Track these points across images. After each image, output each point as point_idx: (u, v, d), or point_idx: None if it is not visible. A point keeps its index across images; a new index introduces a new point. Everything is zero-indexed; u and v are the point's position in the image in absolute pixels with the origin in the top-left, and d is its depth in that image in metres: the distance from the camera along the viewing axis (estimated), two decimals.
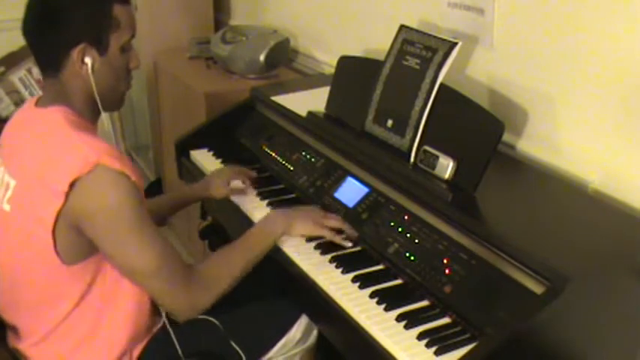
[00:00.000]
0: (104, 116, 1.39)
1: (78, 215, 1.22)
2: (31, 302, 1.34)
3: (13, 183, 1.29)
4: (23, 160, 1.29)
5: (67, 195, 1.20)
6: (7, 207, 1.29)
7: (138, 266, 1.27)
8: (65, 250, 1.26)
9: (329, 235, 1.48)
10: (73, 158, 1.21)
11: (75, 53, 1.28)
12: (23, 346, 1.38)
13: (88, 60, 1.30)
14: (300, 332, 1.55)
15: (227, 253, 1.43)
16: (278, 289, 1.58)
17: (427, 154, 1.47)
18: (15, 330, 1.40)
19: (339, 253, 1.46)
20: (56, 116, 1.29)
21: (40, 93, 1.43)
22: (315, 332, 1.58)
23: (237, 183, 1.76)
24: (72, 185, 1.20)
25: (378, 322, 1.25)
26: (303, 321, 1.55)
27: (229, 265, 1.39)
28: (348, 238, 1.48)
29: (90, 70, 1.30)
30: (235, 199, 1.74)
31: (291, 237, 1.49)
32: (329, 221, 1.50)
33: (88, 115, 1.36)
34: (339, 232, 1.50)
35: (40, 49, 1.33)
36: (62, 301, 1.31)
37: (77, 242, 1.25)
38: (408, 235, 1.41)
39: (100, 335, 1.35)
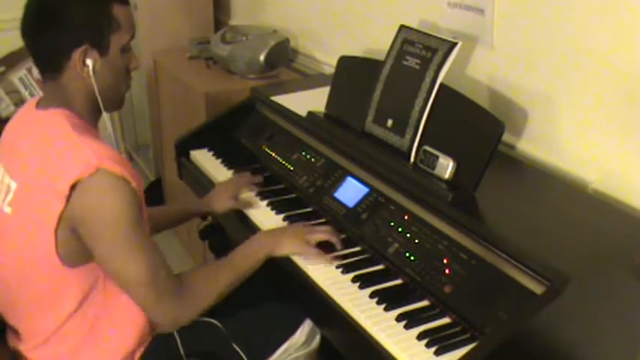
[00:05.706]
0: (104, 116, 1.39)
1: (76, 218, 1.22)
2: (31, 304, 1.34)
3: (14, 185, 1.28)
4: (24, 162, 1.29)
5: (68, 198, 1.20)
6: (8, 209, 1.29)
7: (127, 274, 1.27)
8: (67, 252, 1.25)
9: (314, 255, 1.44)
10: (75, 161, 1.21)
11: (76, 55, 1.28)
12: (23, 348, 1.38)
13: (89, 62, 1.29)
14: (304, 336, 1.54)
15: (213, 270, 1.43)
16: (282, 292, 1.57)
17: (427, 154, 1.47)
18: (15, 331, 1.40)
19: (339, 253, 1.46)
20: (58, 119, 1.28)
21: (41, 93, 1.43)
22: (318, 337, 1.57)
23: (244, 195, 1.74)
24: (73, 188, 1.20)
25: (378, 322, 1.25)
26: (307, 325, 1.54)
27: (214, 283, 1.39)
28: (336, 254, 1.45)
29: (91, 72, 1.30)
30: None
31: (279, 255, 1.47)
32: (316, 236, 1.47)
33: (90, 117, 1.35)
34: (327, 243, 1.47)
35: (39, 51, 1.32)
36: (63, 303, 1.31)
37: (78, 245, 1.25)
38: (408, 235, 1.41)
39: (101, 338, 1.34)
